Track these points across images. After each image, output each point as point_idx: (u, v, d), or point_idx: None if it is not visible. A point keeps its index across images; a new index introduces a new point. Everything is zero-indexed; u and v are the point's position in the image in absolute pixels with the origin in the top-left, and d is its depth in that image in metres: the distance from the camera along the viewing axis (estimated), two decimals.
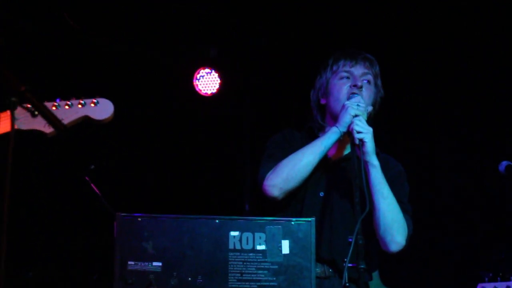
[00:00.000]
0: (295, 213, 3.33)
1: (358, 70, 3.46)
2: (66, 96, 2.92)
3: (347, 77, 3.46)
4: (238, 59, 6.21)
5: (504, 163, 4.56)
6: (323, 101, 3.55)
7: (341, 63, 3.48)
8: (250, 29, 6.06)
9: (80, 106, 2.91)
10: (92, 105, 2.92)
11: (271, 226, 2.80)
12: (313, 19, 5.85)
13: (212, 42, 6.22)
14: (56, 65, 5.57)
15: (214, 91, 6.23)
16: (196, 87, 6.24)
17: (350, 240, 2.88)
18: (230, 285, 2.75)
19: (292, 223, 2.82)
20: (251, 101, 6.27)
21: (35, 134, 2.85)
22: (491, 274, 4.75)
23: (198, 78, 6.24)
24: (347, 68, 3.46)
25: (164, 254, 2.75)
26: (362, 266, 2.85)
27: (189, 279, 2.74)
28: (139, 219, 2.78)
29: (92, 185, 4.93)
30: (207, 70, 6.23)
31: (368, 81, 3.47)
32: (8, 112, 2.57)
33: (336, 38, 5.75)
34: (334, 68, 3.50)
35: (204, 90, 6.24)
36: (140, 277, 2.73)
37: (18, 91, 2.25)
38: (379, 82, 3.54)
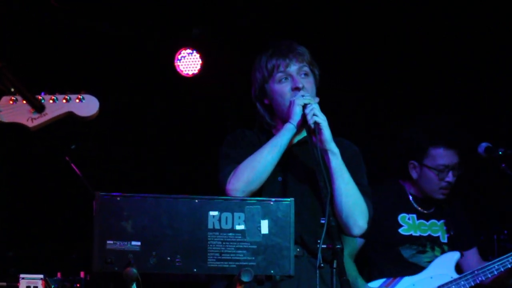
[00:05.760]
0: None
1: (293, 67, 3.47)
2: (51, 90, 2.90)
3: (285, 78, 3.47)
4: (220, 39, 6.19)
5: (483, 145, 4.62)
6: (266, 102, 3.57)
7: (274, 63, 3.48)
8: (232, 9, 6.03)
9: (64, 101, 2.89)
10: (77, 101, 2.90)
11: (251, 206, 2.81)
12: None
13: (193, 23, 6.18)
14: (31, 43, 5.52)
15: (196, 71, 6.22)
16: (177, 67, 6.21)
17: (323, 221, 2.92)
18: (209, 265, 2.75)
19: (272, 203, 2.83)
20: (233, 82, 6.25)
21: (17, 127, 2.86)
22: None
23: (179, 58, 6.22)
24: (282, 69, 3.47)
25: (143, 233, 2.75)
26: (339, 246, 2.89)
27: (168, 258, 2.74)
28: (118, 198, 2.78)
29: (72, 165, 4.91)
30: (189, 50, 6.21)
31: (306, 74, 3.49)
32: None
33: (323, 19, 5.74)
34: (269, 68, 3.49)
35: (185, 71, 6.22)
36: (119, 256, 2.72)
37: None
38: (315, 69, 3.55)
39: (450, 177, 4.68)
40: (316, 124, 3.28)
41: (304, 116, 3.33)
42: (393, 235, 4.69)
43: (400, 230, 4.70)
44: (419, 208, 4.77)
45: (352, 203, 3.32)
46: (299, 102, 3.34)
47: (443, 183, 4.69)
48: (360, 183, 3.41)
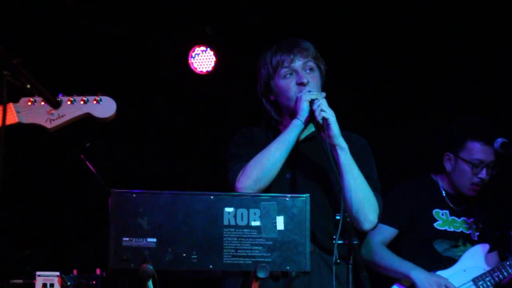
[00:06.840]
0: None
1: (298, 62, 3.46)
2: (68, 92, 2.94)
3: (290, 73, 3.46)
4: (234, 37, 6.19)
5: (499, 140, 4.59)
6: (272, 98, 3.56)
7: (279, 59, 3.48)
8: (246, 7, 6.03)
9: (82, 103, 2.94)
10: (95, 102, 2.95)
11: (266, 202, 2.81)
12: None
13: (207, 20, 6.19)
14: (47, 44, 5.55)
15: (210, 69, 6.21)
16: (191, 65, 6.22)
17: (338, 217, 2.92)
18: (225, 261, 2.76)
19: (287, 199, 2.83)
20: (247, 79, 6.24)
21: (36, 128, 2.89)
22: None
23: (193, 56, 6.22)
24: (287, 64, 3.46)
25: (159, 230, 2.76)
26: (355, 242, 2.89)
27: (184, 255, 2.75)
28: (134, 195, 2.78)
29: (87, 162, 4.93)
30: (203, 48, 6.21)
31: (311, 69, 3.48)
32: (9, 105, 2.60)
33: (334, 17, 5.73)
34: (274, 63, 3.49)
35: (199, 68, 6.22)
36: (134, 253, 2.73)
37: (10, 64, 2.25)
38: (321, 64, 3.54)
39: (483, 174, 4.65)
40: (325, 119, 3.27)
41: (311, 112, 3.32)
42: (428, 229, 4.66)
43: (435, 225, 4.68)
44: (452, 205, 4.76)
45: (362, 198, 3.32)
46: (306, 98, 3.32)
47: (476, 179, 4.66)
48: (370, 177, 3.41)
